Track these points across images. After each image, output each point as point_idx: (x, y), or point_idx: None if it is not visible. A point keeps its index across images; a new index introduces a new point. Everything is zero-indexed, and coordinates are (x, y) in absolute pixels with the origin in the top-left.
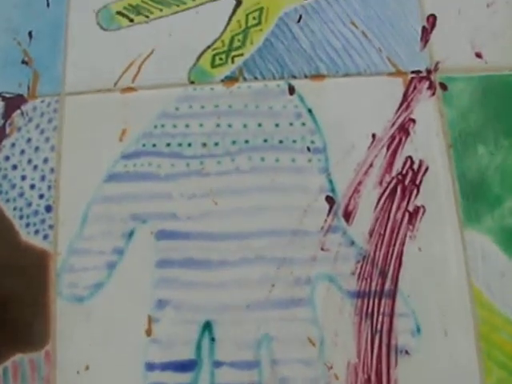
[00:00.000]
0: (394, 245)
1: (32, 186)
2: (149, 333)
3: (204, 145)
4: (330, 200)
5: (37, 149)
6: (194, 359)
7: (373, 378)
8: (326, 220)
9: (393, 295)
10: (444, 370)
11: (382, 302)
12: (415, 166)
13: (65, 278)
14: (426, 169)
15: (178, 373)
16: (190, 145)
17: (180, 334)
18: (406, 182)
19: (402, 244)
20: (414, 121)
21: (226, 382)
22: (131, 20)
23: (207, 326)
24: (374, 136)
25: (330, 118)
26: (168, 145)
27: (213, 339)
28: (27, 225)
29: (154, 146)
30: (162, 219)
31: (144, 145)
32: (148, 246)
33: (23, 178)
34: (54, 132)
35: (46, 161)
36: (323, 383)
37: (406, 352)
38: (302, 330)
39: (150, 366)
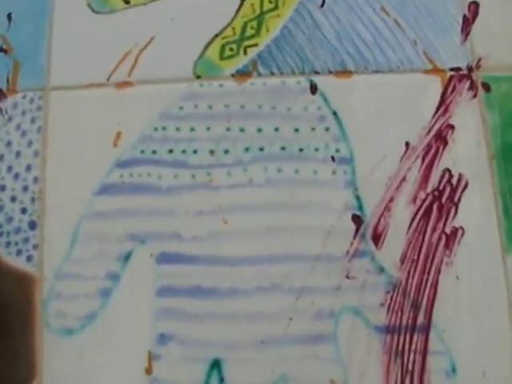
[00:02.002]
0: (429, 273)
1: (13, 199)
2: (149, 372)
3: (212, 152)
4: (357, 219)
5: (18, 154)
6: None
7: None
8: (352, 243)
9: (426, 330)
10: None
11: (414, 338)
12: (453, 181)
13: (52, 307)
14: (466, 184)
15: None
16: (195, 152)
17: (185, 374)
18: (443, 199)
19: (438, 272)
20: (452, 127)
21: None
22: (127, 2)
23: (216, 365)
24: (407, 145)
25: (357, 123)
26: (170, 151)
27: (222, 380)
28: (8, 244)
29: (154, 152)
30: (164, 240)
31: (142, 151)
32: (147, 271)
33: (2, 188)
34: (37, 134)
35: (28, 168)
36: None
37: None
38: (324, 371)
39: None
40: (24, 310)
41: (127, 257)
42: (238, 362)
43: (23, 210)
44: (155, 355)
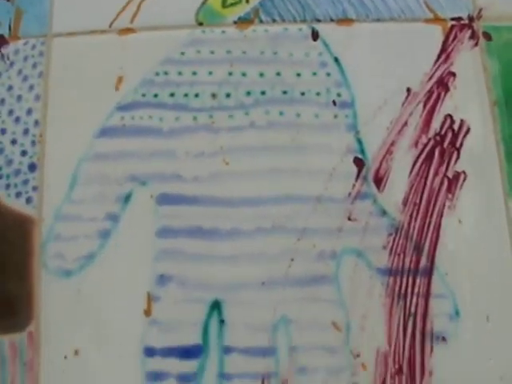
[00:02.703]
0: (431, 216)
1: (13, 141)
2: (148, 313)
3: (214, 96)
4: (359, 162)
5: (19, 98)
6: (200, 344)
7: (405, 367)
8: (353, 185)
9: (429, 273)
10: (485, 359)
11: (417, 281)
12: (455, 126)
13: (50, 248)
14: (468, 130)
15: (181, 359)
16: (197, 95)
17: (184, 315)
18: (445, 144)
19: (440, 215)
20: (454, 74)
21: (237, 371)
22: None
23: (216, 306)
24: (409, 90)
25: (358, 69)
26: (172, 95)
27: (222, 321)
28: (7, 186)
29: (156, 96)
30: (164, 181)
31: (144, 95)
32: (147, 212)
33: (3, 131)
34: (39, 79)
35: (29, 112)
36: (349, 374)
37: (443, 339)
38: (326, 313)
39: (150, 352)
40: (22, 252)
41: (127, 198)
42: (238, 303)
43: (23, 153)
44: (154, 296)
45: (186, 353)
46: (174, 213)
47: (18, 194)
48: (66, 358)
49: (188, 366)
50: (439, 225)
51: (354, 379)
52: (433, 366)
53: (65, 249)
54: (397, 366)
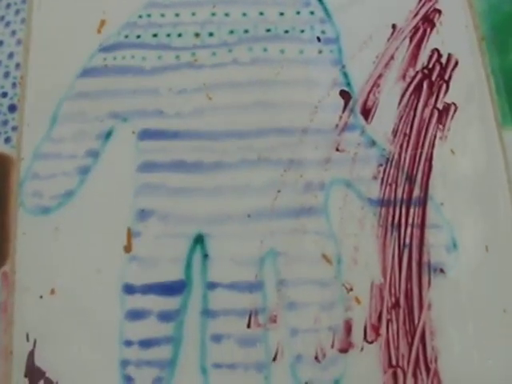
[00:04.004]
0: (422, 146)
1: None
2: (128, 249)
3: (197, 35)
4: (346, 95)
5: (0, 43)
6: (183, 280)
7: (402, 300)
8: (340, 117)
9: (423, 203)
10: (487, 292)
11: (411, 211)
12: (443, 60)
13: (28, 187)
14: (456, 63)
15: (163, 296)
16: (180, 35)
17: (166, 250)
18: (433, 76)
19: (432, 146)
20: (439, 11)
21: (222, 307)
22: None
23: (199, 240)
24: (394, 27)
25: (342, 6)
26: (155, 35)
27: (206, 256)
28: None
29: (139, 37)
30: (146, 117)
31: (126, 36)
32: (129, 148)
33: None
34: (21, 25)
35: (10, 56)
36: (342, 308)
37: (441, 270)
38: (315, 245)
39: (129, 289)
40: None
41: (108, 135)
42: (222, 236)
43: (3, 95)
44: (135, 232)
45: (168, 289)
46: (156, 148)
47: None
48: (41, 297)
49: (170, 303)
50: (431, 156)
51: (348, 314)
52: (431, 298)
53: (43, 187)
54: (393, 300)
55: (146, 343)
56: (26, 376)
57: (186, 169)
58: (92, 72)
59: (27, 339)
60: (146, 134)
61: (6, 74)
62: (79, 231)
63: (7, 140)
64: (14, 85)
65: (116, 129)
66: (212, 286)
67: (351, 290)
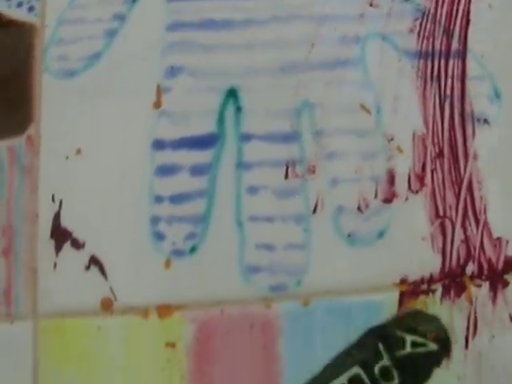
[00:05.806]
0: (459, 2)
1: None
2: (157, 105)
3: None
4: None
5: None
6: (216, 132)
7: (446, 150)
8: None
9: (462, 56)
10: None
11: (450, 62)
12: None
13: (53, 52)
14: None
15: (194, 150)
16: None
17: (197, 104)
18: None
19: (469, 1)
20: None
21: (258, 158)
22: None
23: (232, 94)
24: None
25: None
26: None
27: (239, 108)
28: None
29: None
30: None
31: None
32: (157, 10)
33: None
34: None
35: None
36: (384, 157)
37: (485, 121)
38: (353, 95)
39: (159, 144)
40: (24, 59)
41: None
42: (256, 89)
43: None
44: (165, 88)
45: (200, 142)
46: (184, 8)
47: (20, 4)
48: (67, 158)
49: (202, 156)
50: (468, 11)
51: (391, 163)
52: (476, 148)
53: (68, 50)
54: (437, 149)
55: (177, 198)
56: (51, 237)
57: (216, 26)
58: None
59: (53, 200)
60: None
61: None
62: (105, 92)
63: (30, 9)
64: None
65: None
66: (246, 137)
67: (392, 139)
